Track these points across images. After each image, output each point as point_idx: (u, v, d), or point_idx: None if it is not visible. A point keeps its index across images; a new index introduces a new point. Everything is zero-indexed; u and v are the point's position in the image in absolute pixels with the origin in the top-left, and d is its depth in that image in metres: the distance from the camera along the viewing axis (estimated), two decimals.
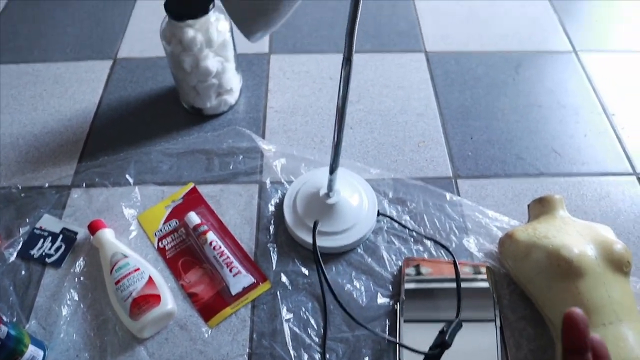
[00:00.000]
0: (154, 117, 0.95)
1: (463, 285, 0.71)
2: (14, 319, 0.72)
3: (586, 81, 1.01)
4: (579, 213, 0.81)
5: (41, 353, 0.67)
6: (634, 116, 0.95)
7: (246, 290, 0.73)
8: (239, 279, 0.73)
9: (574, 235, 0.68)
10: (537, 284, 0.67)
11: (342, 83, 0.59)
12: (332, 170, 0.72)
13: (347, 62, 0.55)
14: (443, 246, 0.76)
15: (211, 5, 0.81)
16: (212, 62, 0.85)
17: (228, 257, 0.74)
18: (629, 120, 0.95)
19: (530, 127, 0.93)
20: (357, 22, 0.52)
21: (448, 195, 0.83)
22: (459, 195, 0.83)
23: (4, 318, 0.63)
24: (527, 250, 0.69)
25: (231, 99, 0.94)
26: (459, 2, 1.18)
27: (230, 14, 0.43)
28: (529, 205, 0.77)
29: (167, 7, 0.81)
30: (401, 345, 0.65)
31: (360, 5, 0.51)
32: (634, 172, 0.87)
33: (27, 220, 0.81)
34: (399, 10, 1.16)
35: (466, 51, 1.07)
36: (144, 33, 1.12)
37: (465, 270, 0.73)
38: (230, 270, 0.73)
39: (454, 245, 0.78)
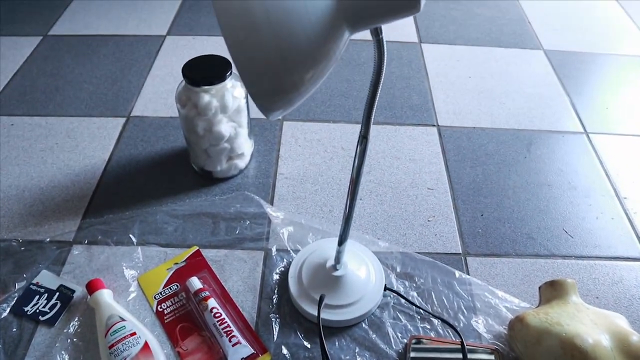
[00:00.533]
0: (162, 177, 0.95)
1: None
2: None
3: (597, 163, 1.01)
4: (591, 298, 0.79)
5: None
6: None
7: None
8: (238, 349, 0.70)
9: (588, 323, 0.66)
10: None
11: (357, 159, 0.58)
12: (341, 242, 0.70)
13: (364, 139, 0.55)
14: (451, 326, 0.74)
15: (228, 73, 0.82)
16: (225, 127, 0.86)
17: (228, 325, 0.72)
18: None
19: (540, 206, 0.92)
20: (375, 104, 0.53)
21: (457, 273, 0.81)
22: (468, 273, 0.82)
23: None
24: (538, 336, 0.66)
25: (242, 163, 0.94)
26: (472, 79, 1.21)
27: (250, 93, 0.43)
28: (540, 288, 0.75)
29: (185, 72, 0.82)
30: None
31: (380, 89, 0.51)
32: None
33: (25, 275, 0.80)
34: (412, 84, 1.18)
35: (478, 127, 1.08)
36: (159, 94, 1.13)
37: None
38: (230, 340, 0.70)
39: (461, 324, 0.75)
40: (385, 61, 0.50)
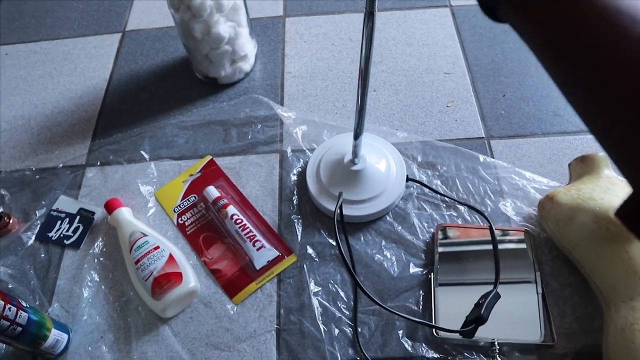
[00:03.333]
0: (167, 90, 0.91)
1: (501, 249, 0.66)
2: (37, 303, 0.70)
3: None
4: None
5: (65, 337, 0.65)
6: None
7: (271, 264, 0.69)
8: (263, 253, 0.70)
9: (623, 196, 0.63)
10: (583, 249, 0.62)
11: (364, 41, 0.53)
12: (357, 136, 0.67)
13: (370, 16, 0.50)
14: (478, 211, 0.71)
15: None
16: (223, 28, 0.80)
17: (250, 230, 0.71)
18: None
19: None
20: None
21: (481, 157, 0.77)
22: (492, 156, 0.78)
23: (23, 303, 0.60)
24: (571, 213, 0.63)
25: (246, 66, 0.89)
26: None
27: None
28: (570, 165, 0.71)
29: None
30: (436, 327, 0.62)
31: None
32: None
33: (43, 202, 0.79)
34: None
35: None
36: (151, 4, 1.07)
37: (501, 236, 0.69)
38: (254, 245, 0.70)
39: (489, 209, 0.73)
40: None
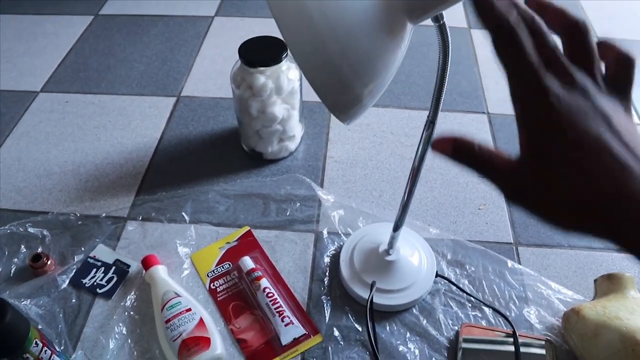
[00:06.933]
0: (213, 157, 0.96)
1: (522, 354, 0.67)
2: (62, 347, 0.71)
3: None
4: None
5: None
6: None
7: (297, 341, 0.71)
8: (290, 329, 0.71)
9: None
10: None
11: (421, 144, 0.58)
12: (397, 228, 0.70)
13: (431, 124, 0.55)
14: (502, 315, 0.73)
15: (284, 54, 0.82)
16: (278, 109, 0.86)
17: (280, 305, 0.73)
18: None
19: None
20: (444, 88, 0.52)
21: (509, 263, 0.80)
22: (519, 263, 0.81)
23: (57, 348, 0.62)
24: (596, 329, 0.65)
25: (292, 145, 0.94)
26: None
27: (327, 105, 0.43)
28: (595, 281, 0.73)
29: (241, 52, 0.82)
30: None
31: (447, 73, 0.51)
32: None
33: (82, 248, 0.82)
34: (461, 70, 1.16)
35: None
36: (208, 74, 1.14)
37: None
38: (282, 320, 0.71)
39: (513, 314, 0.75)
40: (450, 46, 0.50)
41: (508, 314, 0.75)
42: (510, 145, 0.99)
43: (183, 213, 0.86)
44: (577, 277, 0.79)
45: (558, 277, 0.79)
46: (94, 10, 1.34)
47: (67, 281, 0.78)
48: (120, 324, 0.73)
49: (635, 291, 0.70)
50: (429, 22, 0.47)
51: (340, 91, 0.41)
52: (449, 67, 0.51)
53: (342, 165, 0.94)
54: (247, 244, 0.82)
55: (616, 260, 0.81)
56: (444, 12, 0.47)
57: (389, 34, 0.41)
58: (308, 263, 0.80)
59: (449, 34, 0.48)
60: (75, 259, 0.80)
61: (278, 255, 0.81)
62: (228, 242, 0.82)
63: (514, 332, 0.70)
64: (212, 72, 1.15)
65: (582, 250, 0.83)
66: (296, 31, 0.39)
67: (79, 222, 0.85)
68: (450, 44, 0.49)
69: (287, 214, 0.86)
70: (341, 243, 0.82)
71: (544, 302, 0.76)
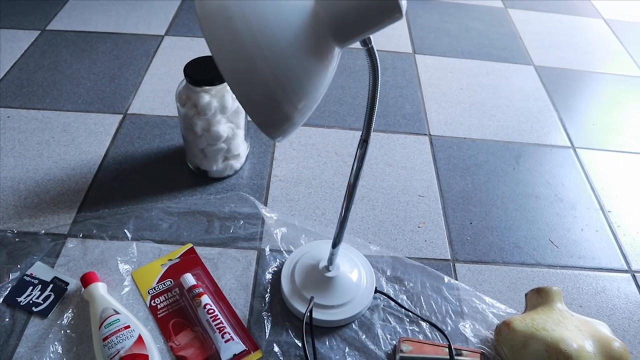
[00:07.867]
0: (158, 175, 0.96)
1: None
2: None
3: (583, 177, 1.04)
4: (575, 306, 0.82)
5: None
6: (630, 215, 0.98)
7: (237, 357, 0.71)
8: (230, 345, 0.71)
9: (573, 329, 0.68)
10: None
11: (356, 161, 0.60)
12: (335, 245, 0.72)
13: (364, 143, 0.57)
14: (439, 329, 0.75)
15: None
16: (223, 128, 0.87)
17: (221, 322, 0.73)
18: (624, 218, 0.97)
19: (528, 217, 0.95)
20: (376, 109, 0.54)
21: (446, 278, 0.83)
22: (456, 279, 0.84)
23: None
24: (524, 340, 0.68)
25: (237, 164, 0.95)
26: (464, 91, 1.23)
27: (256, 123, 0.45)
28: (526, 295, 0.77)
29: (186, 71, 0.83)
30: None
31: (378, 94, 0.53)
32: (629, 270, 0.88)
33: (19, 265, 0.80)
34: (405, 94, 1.20)
35: (469, 138, 1.10)
36: (156, 92, 1.14)
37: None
38: (223, 336, 0.72)
39: (449, 328, 0.77)
40: (379, 68, 0.52)
41: (444, 328, 0.77)
42: (449, 165, 1.03)
43: (125, 230, 0.86)
44: (510, 292, 0.83)
45: (492, 291, 0.83)
46: (41, 25, 1.33)
47: (1, 300, 0.76)
48: (56, 343, 0.72)
49: (562, 304, 0.74)
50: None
51: (269, 110, 0.43)
52: (379, 88, 0.53)
53: (286, 183, 0.96)
54: (190, 261, 0.82)
55: (546, 276, 0.85)
56: (373, 38, 0.49)
57: (317, 56, 0.44)
58: (250, 280, 0.81)
59: (377, 57, 0.51)
60: (11, 277, 0.79)
61: (220, 273, 0.81)
62: (170, 259, 0.82)
63: (450, 345, 0.72)
64: (159, 91, 1.15)
65: (514, 266, 0.86)
66: (227, 52, 0.40)
67: (16, 239, 0.83)
68: (379, 67, 0.51)
69: (231, 231, 0.87)
70: (283, 260, 0.83)
71: (479, 316, 0.79)
